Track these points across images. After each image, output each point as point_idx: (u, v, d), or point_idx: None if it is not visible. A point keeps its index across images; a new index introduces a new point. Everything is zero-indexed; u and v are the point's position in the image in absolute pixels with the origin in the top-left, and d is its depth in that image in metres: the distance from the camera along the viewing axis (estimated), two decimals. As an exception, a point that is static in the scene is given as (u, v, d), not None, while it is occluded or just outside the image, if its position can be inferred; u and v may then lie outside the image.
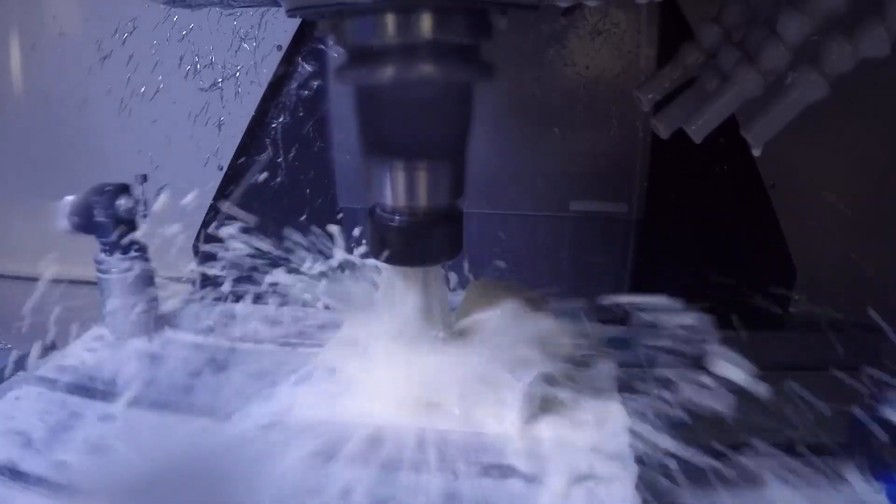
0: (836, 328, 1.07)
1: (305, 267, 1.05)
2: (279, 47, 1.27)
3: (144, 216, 1.12)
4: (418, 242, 0.76)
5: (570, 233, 1.26)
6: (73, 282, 1.14)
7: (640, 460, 0.74)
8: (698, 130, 0.81)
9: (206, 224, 1.35)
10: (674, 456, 0.75)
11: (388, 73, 0.63)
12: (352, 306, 1.01)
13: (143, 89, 1.32)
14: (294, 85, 1.31)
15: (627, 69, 1.17)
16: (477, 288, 0.97)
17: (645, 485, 0.73)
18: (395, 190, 0.73)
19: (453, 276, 1.19)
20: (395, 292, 0.83)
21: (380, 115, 0.71)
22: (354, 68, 0.68)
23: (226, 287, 1.16)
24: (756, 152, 0.79)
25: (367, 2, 0.55)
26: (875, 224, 1.17)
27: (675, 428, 0.77)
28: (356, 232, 1.11)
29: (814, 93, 0.73)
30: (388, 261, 0.78)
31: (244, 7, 1.18)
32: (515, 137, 1.23)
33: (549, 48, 1.18)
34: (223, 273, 1.18)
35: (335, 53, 1.25)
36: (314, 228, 1.08)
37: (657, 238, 1.24)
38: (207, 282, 1.31)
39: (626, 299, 0.85)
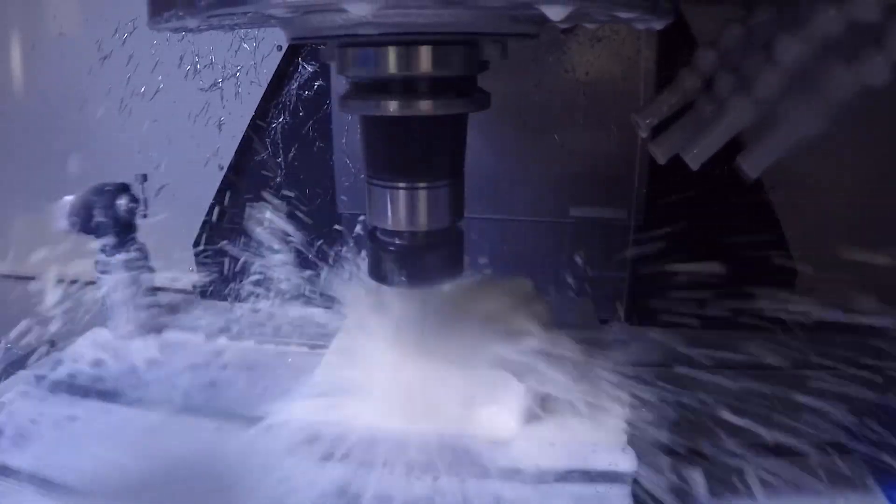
0: (837, 329, 1.08)
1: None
2: (279, 47, 1.27)
3: (144, 216, 1.13)
4: (417, 265, 0.76)
5: (569, 239, 1.27)
6: (73, 282, 1.15)
7: (638, 459, 0.74)
8: (695, 158, 0.81)
9: (205, 224, 1.36)
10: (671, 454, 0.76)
11: (387, 105, 0.64)
12: (352, 308, 1.01)
13: (143, 89, 1.32)
14: (294, 86, 1.31)
15: (627, 76, 1.17)
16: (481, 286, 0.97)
17: (643, 483, 0.73)
18: (394, 213, 0.73)
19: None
20: (393, 311, 0.84)
21: (378, 140, 0.72)
22: (355, 98, 0.69)
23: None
24: (753, 176, 0.79)
25: (370, 33, 0.55)
26: (875, 224, 1.17)
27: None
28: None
29: (811, 124, 0.73)
30: (386, 282, 0.78)
31: (246, 29, 1.18)
32: (515, 143, 1.23)
33: (549, 55, 1.18)
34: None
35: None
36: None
37: (656, 244, 1.24)
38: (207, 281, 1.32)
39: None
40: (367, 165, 0.74)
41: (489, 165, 1.22)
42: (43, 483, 0.79)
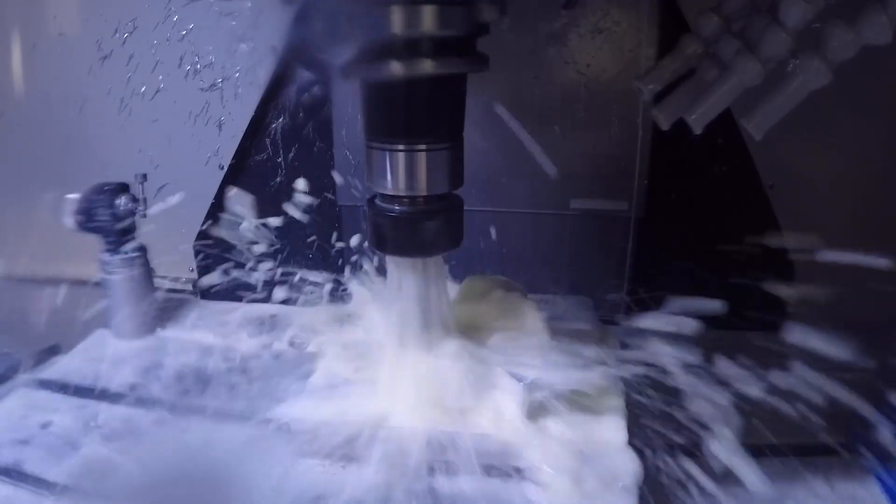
0: (835, 328, 1.07)
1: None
2: (275, 49, 1.27)
3: (144, 216, 1.12)
4: (417, 232, 0.76)
5: (570, 231, 1.27)
6: (76, 282, 1.15)
7: (641, 457, 0.74)
8: (698, 120, 0.80)
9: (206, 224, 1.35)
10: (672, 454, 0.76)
11: (388, 66, 0.64)
12: (352, 305, 1.01)
13: (143, 89, 1.32)
14: (293, 85, 1.31)
15: (628, 68, 1.18)
16: (470, 285, 0.97)
17: (645, 482, 0.73)
18: (394, 176, 0.73)
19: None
20: (396, 283, 0.83)
21: (377, 101, 0.72)
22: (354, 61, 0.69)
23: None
24: (757, 137, 0.78)
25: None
26: (875, 224, 1.17)
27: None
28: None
29: (816, 80, 0.73)
30: (387, 251, 0.78)
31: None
32: (516, 136, 1.23)
33: (549, 47, 1.18)
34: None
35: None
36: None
37: (657, 236, 1.24)
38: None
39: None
40: (367, 130, 0.74)
41: (490, 157, 1.22)
42: (44, 484, 0.79)
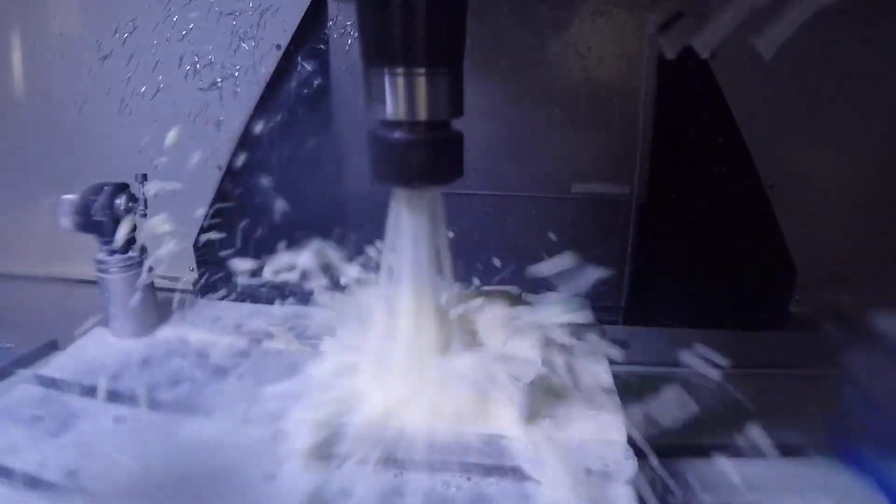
0: (836, 328, 1.07)
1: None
2: (278, 47, 1.27)
3: (144, 215, 1.12)
4: (417, 159, 0.74)
5: (571, 215, 1.26)
6: (75, 281, 1.15)
7: (638, 457, 0.74)
8: (704, 44, 0.80)
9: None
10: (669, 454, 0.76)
11: None
12: (351, 306, 1.01)
13: (143, 89, 1.33)
14: (294, 84, 1.31)
15: (629, 50, 1.17)
16: (477, 295, 0.97)
17: (643, 482, 0.73)
18: (393, 100, 0.72)
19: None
20: (395, 217, 0.81)
21: (375, 24, 0.71)
22: None
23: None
24: (767, 56, 0.78)
25: None
26: (875, 224, 1.17)
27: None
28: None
29: None
30: (387, 181, 0.77)
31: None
32: (518, 119, 1.23)
33: (551, 31, 1.18)
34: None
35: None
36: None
37: (659, 222, 1.24)
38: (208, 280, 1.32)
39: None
40: (366, 55, 0.73)
41: (492, 141, 1.21)
42: (43, 484, 0.79)
